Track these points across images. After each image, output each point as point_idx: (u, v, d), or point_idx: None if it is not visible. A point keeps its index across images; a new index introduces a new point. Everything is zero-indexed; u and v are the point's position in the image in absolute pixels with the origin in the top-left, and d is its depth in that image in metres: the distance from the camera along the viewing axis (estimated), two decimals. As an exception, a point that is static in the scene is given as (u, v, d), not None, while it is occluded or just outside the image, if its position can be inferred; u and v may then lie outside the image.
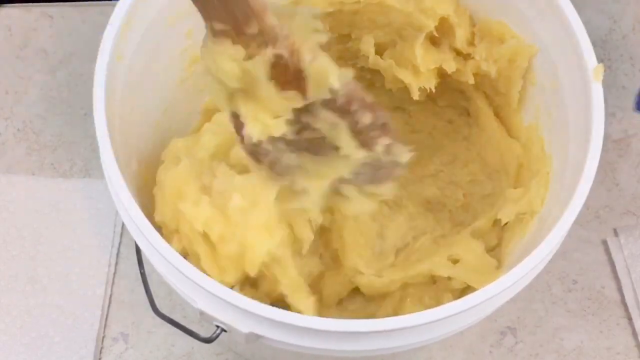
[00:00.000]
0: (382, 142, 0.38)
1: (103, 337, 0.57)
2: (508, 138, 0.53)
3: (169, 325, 0.57)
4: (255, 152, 0.40)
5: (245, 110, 0.37)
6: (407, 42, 0.52)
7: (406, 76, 0.52)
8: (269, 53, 0.34)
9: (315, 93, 0.36)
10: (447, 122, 0.59)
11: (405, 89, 0.53)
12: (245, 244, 0.42)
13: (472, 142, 0.57)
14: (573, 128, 0.45)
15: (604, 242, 0.61)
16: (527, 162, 0.51)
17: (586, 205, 0.63)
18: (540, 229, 0.44)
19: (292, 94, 0.36)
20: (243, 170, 0.44)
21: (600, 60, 0.68)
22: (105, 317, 0.57)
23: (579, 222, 0.62)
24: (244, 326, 0.38)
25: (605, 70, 0.70)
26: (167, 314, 0.45)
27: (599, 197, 0.63)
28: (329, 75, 0.35)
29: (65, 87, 0.67)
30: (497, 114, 0.54)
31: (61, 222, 0.60)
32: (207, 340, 0.41)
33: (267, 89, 0.36)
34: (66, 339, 0.56)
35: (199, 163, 0.46)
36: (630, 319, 0.58)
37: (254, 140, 0.38)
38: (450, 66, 0.52)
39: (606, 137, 0.65)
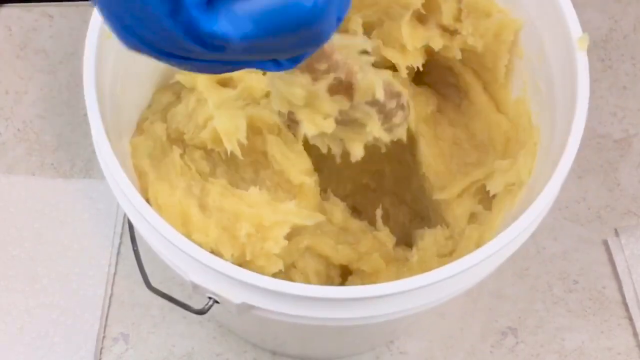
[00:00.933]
0: (399, 116, 0.49)
1: (103, 337, 0.57)
2: (497, 113, 0.53)
3: (169, 326, 0.57)
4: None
5: (303, 115, 0.46)
6: (394, 21, 0.53)
7: (394, 55, 0.53)
8: (331, 77, 0.43)
9: (361, 98, 0.46)
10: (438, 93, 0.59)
11: (394, 68, 0.54)
12: (256, 264, 0.47)
13: (461, 111, 0.57)
14: (560, 98, 0.45)
15: (605, 242, 0.61)
16: (514, 135, 0.51)
17: (587, 205, 0.63)
18: (528, 199, 0.44)
19: (340, 97, 0.45)
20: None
21: (600, 60, 0.69)
22: (105, 317, 0.57)
23: (579, 222, 0.62)
24: (236, 297, 0.38)
25: (605, 70, 0.70)
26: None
27: (600, 197, 0.63)
28: (375, 89, 0.45)
29: (65, 87, 0.67)
30: (485, 90, 0.54)
31: (61, 222, 0.60)
32: (200, 312, 0.41)
33: (322, 98, 0.45)
34: (66, 339, 0.56)
35: (190, 176, 0.51)
36: (631, 319, 0.58)
37: (310, 136, 0.46)
38: (437, 43, 0.52)
39: (607, 137, 0.66)
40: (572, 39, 0.44)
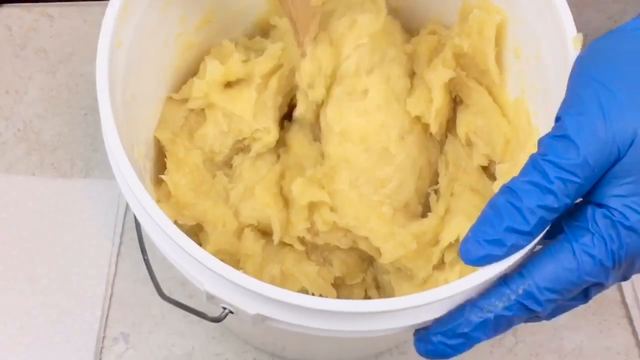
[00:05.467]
0: None
1: (103, 337, 0.57)
2: (499, 116, 0.53)
3: (169, 326, 0.57)
4: None
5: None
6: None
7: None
8: None
9: None
10: None
11: None
12: None
13: (464, 106, 0.56)
14: (555, 99, 0.45)
15: (604, 242, 0.61)
16: (514, 137, 0.51)
17: (586, 205, 0.63)
18: None
19: None
20: None
21: (600, 60, 0.68)
22: (105, 317, 0.57)
23: (579, 222, 0.62)
24: (251, 308, 0.38)
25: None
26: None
27: (599, 197, 0.63)
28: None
29: (65, 87, 0.67)
30: (489, 93, 0.54)
31: (61, 222, 0.60)
32: (216, 320, 0.41)
33: None
34: (66, 339, 0.56)
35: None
36: (630, 318, 0.58)
37: None
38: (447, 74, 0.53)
39: (606, 137, 0.65)
40: (567, 39, 0.44)
